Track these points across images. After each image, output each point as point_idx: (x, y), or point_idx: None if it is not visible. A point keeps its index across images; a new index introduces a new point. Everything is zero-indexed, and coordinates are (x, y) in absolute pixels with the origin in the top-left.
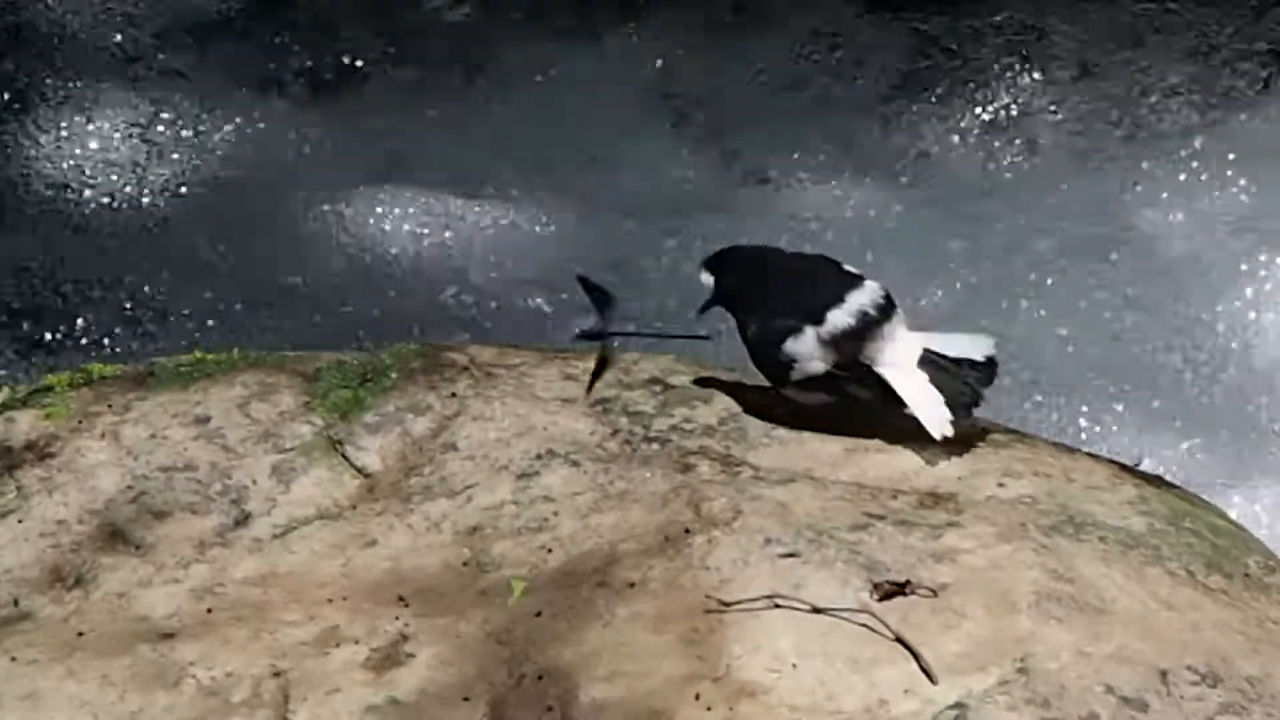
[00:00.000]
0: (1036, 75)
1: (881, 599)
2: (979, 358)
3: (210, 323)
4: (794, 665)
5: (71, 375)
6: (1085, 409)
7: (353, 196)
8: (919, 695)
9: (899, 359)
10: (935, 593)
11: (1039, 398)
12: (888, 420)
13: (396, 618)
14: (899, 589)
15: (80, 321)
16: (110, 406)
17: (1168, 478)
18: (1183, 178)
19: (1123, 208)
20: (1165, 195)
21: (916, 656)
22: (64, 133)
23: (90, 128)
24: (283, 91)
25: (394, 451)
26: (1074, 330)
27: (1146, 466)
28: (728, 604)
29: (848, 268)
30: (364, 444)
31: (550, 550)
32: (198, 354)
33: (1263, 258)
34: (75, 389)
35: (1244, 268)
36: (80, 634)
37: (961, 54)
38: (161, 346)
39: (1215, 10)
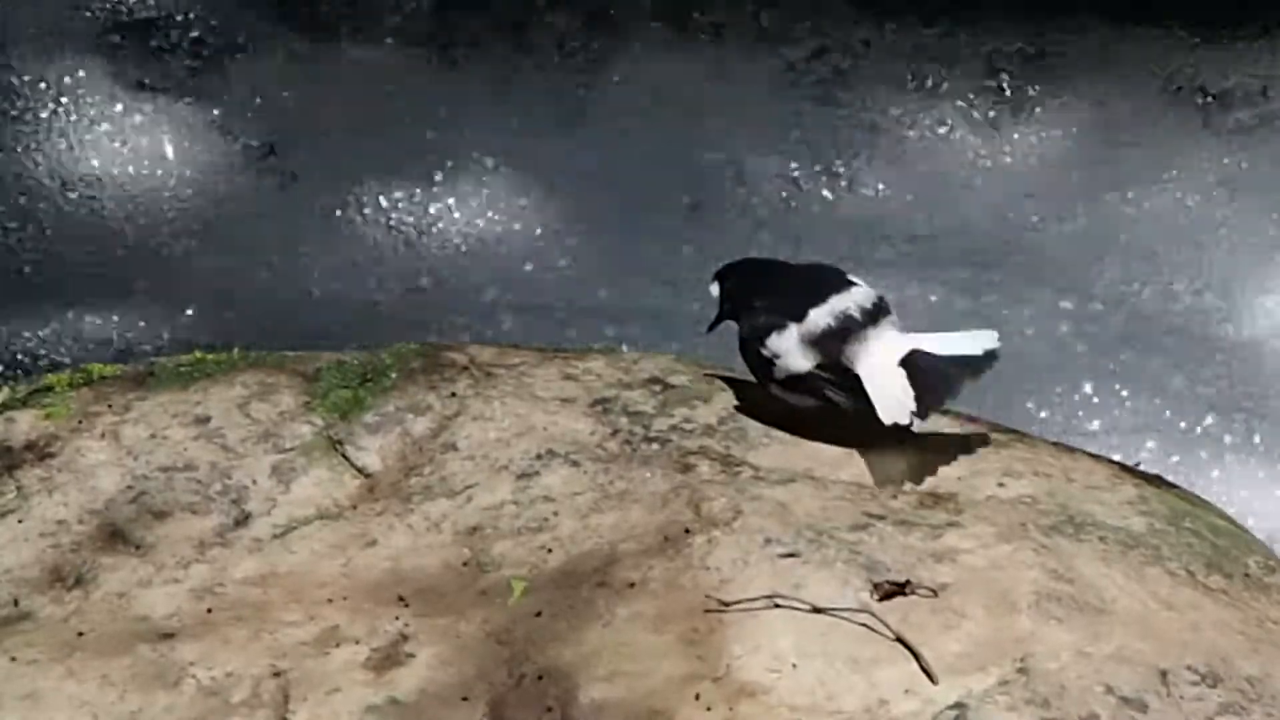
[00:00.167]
0: None
1: (881, 599)
2: (976, 352)
3: (210, 323)
4: (794, 665)
5: (71, 375)
6: None
7: (353, 196)
8: (919, 695)
9: (881, 359)
10: (935, 593)
11: None
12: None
13: (396, 618)
14: (899, 589)
15: (81, 321)
16: (110, 406)
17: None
18: None
19: None
20: None
21: (916, 656)
22: (63, 130)
23: (89, 125)
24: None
25: (394, 451)
26: None
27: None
28: (728, 604)
29: (851, 278)
30: (364, 444)
31: (550, 550)
32: (198, 354)
33: None
34: (75, 389)
35: None
36: (80, 634)
37: None
38: (161, 346)
39: None
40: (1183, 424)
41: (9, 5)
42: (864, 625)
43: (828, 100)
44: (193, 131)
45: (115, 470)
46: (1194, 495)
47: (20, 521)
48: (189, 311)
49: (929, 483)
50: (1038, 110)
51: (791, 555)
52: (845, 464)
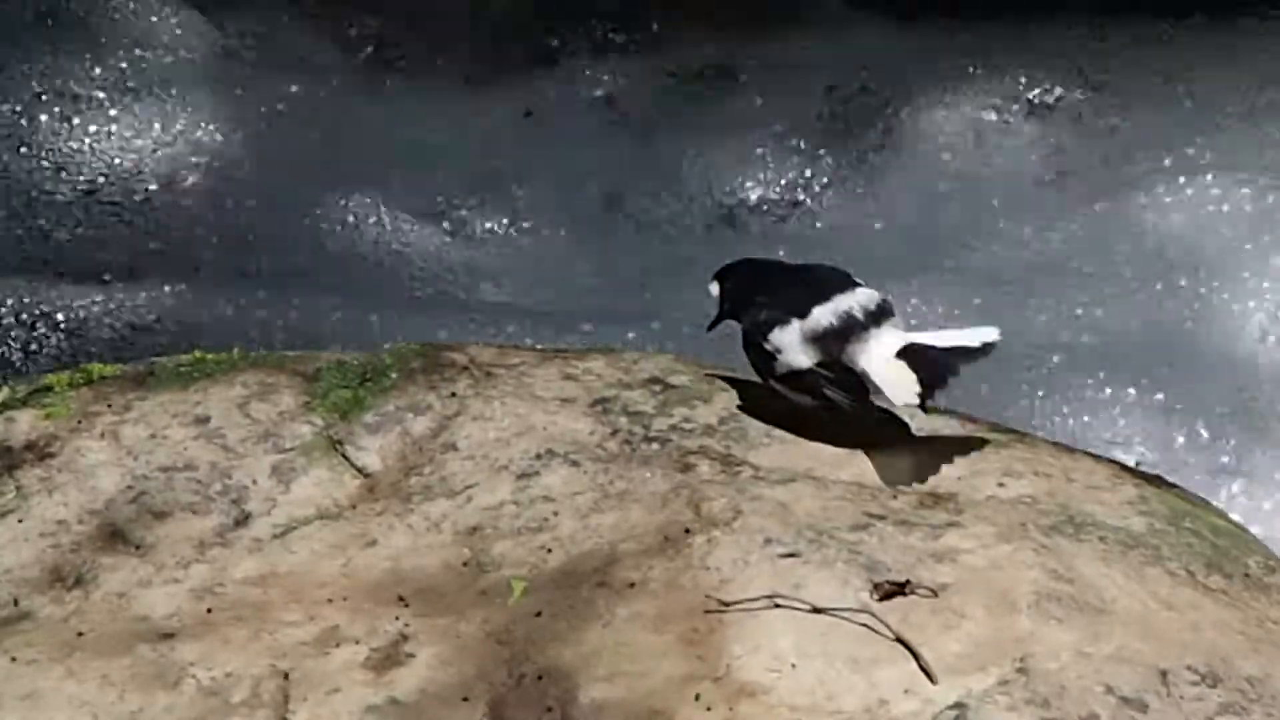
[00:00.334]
0: None
1: (881, 599)
2: (974, 344)
3: (210, 323)
4: (794, 665)
5: (71, 375)
6: None
7: (353, 195)
8: (919, 695)
9: (880, 354)
10: (935, 593)
11: None
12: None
13: (396, 618)
14: (899, 589)
15: (80, 321)
16: (110, 406)
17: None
18: None
19: None
20: None
21: (916, 656)
22: (62, 128)
23: (87, 123)
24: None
25: (394, 451)
26: None
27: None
28: (728, 604)
29: (854, 279)
30: (364, 444)
31: (550, 550)
32: (198, 354)
33: None
34: (75, 389)
35: None
36: (80, 634)
37: None
38: (161, 347)
39: None
40: None
41: None
42: (864, 625)
43: None
44: None
45: (115, 470)
46: (1194, 495)
47: (20, 521)
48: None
49: (929, 483)
50: None
51: (791, 555)
52: (845, 464)
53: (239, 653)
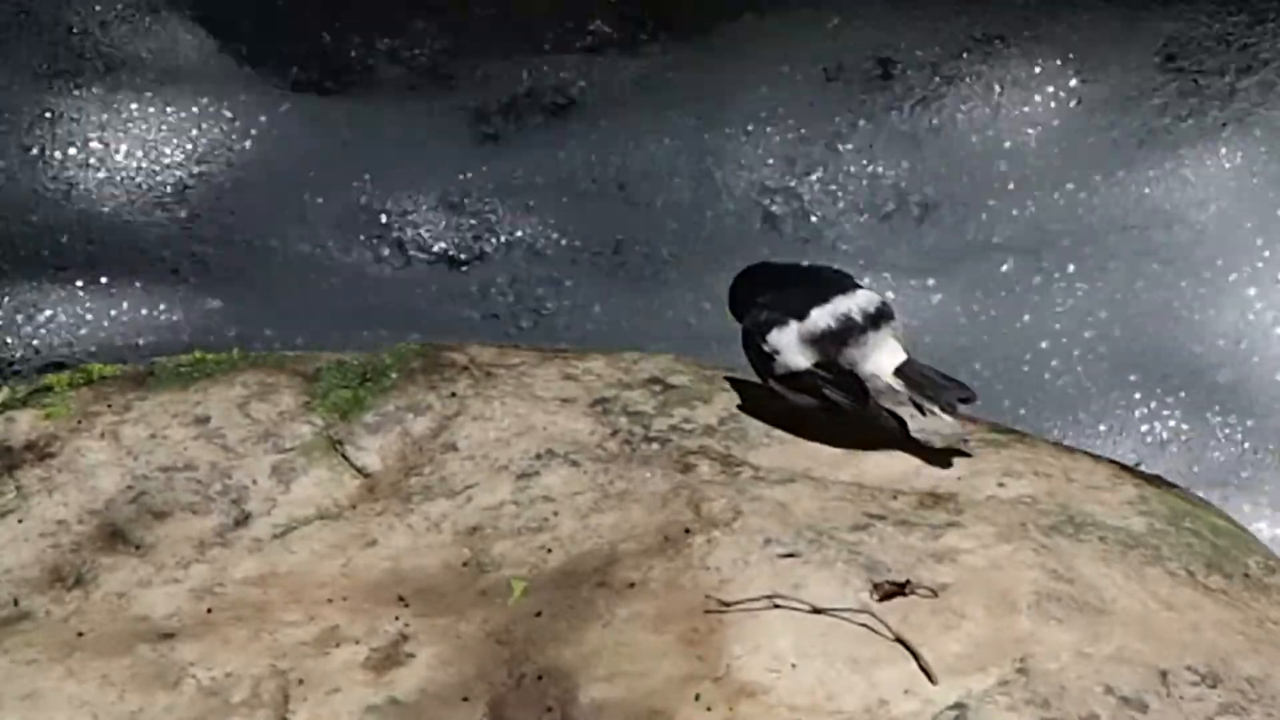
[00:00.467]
0: None
1: (881, 599)
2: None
3: (210, 322)
4: (794, 665)
5: (71, 375)
6: None
7: (354, 194)
8: (919, 695)
9: (878, 366)
10: (935, 593)
11: None
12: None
13: (396, 618)
14: (899, 589)
15: (81, 321)
16: (110, 406)
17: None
18: None
19: None
20: None
21: (916, 656)
22: (61, 130)
23: (86, 126)
24: (290, 90)
25: (394, 451)
26: None
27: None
28: (728, 604)
29: (857, 281)
30: (364, 444)
31: (550, 550)
32: (198, 354)
33: None
34: (75, 389)
35: None
36: (80, 634)
37: None
38: (161, 347)
39: None
40: None
41: None
42: (864, 625)
43: None
44: None
45: (115, 470)
46: (1194, 495)
47: (20, 521)
48: (189, 311)
49: (929, 483)
50: None
51: (791, 555)
52: (845, 464)
53: (239, 653)
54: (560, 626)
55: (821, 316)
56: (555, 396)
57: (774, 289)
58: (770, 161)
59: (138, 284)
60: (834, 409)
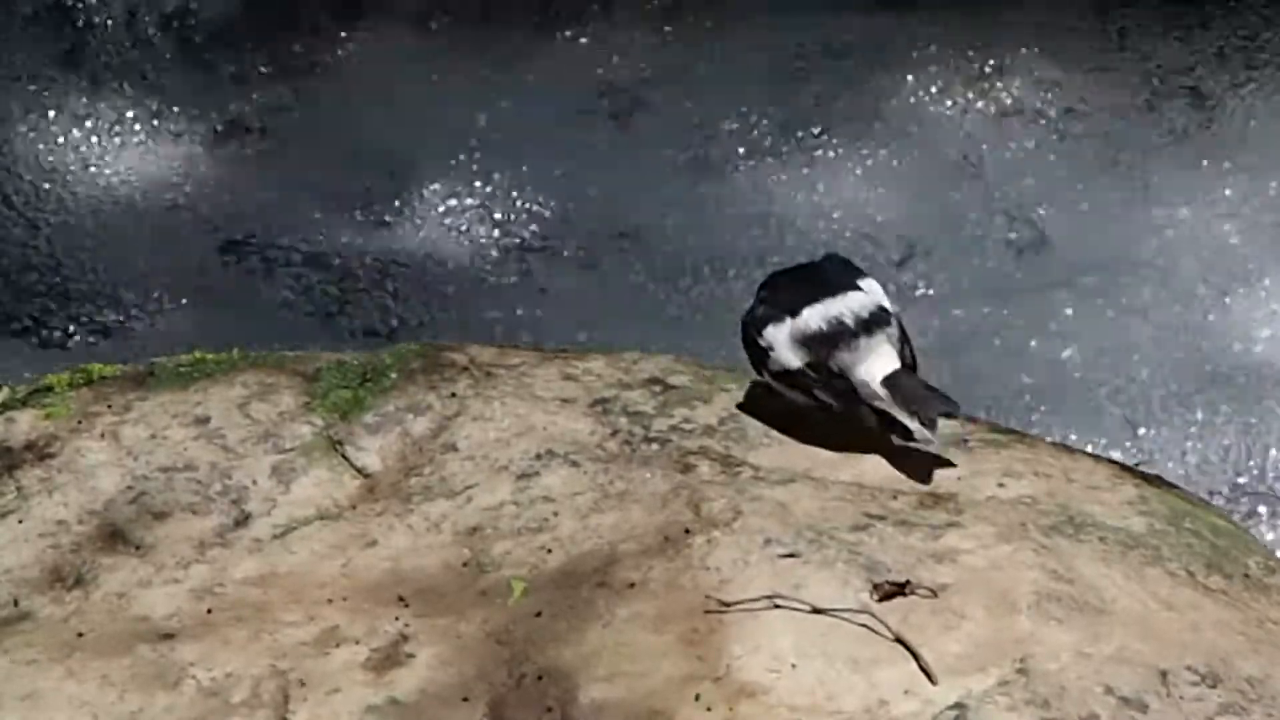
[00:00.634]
0: None
1: (881, 599)
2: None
3: (210, 323)
4: (794, 665)
5: (71, 375)
6: None
7: (354, 194)
8: (919, 695)
9: (869, 373)
10: (935, 593)
11: None
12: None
13: (396, 618)
14: (899, 589)
15: (80, 321)
16: (110, 406)
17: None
18: None
19: None
20: None
21: (916, 657)
22: (59, 128)
23: (84, 123)
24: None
25: (394, 452)
26: None
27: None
28: (728, 604)
29: (860, 281)
30: (364, 444)
31: (550, 550)
32: (198, 354)
33: None
34: (75, 389)
35: None
36: (80, 634)
37: None
38: (161, 346)
39: None
40: None
41: None
42: (864, 626)
43: None
44: None
45: (115, 470)
46: (1194, 495)
47: (20, 521)
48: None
49: (929, 483)
50: None
51: (791, 555)
52: (845, 464)
53: (239, 653)
54: (560, 627)
55: (812, 317)
56: (555, 396)
57: (777, 283)
58: None
59: None
60: (827, 410)
